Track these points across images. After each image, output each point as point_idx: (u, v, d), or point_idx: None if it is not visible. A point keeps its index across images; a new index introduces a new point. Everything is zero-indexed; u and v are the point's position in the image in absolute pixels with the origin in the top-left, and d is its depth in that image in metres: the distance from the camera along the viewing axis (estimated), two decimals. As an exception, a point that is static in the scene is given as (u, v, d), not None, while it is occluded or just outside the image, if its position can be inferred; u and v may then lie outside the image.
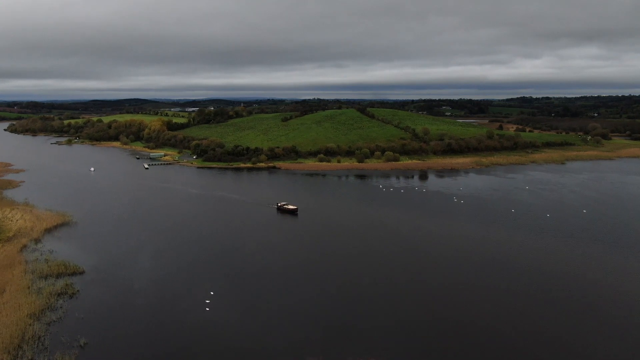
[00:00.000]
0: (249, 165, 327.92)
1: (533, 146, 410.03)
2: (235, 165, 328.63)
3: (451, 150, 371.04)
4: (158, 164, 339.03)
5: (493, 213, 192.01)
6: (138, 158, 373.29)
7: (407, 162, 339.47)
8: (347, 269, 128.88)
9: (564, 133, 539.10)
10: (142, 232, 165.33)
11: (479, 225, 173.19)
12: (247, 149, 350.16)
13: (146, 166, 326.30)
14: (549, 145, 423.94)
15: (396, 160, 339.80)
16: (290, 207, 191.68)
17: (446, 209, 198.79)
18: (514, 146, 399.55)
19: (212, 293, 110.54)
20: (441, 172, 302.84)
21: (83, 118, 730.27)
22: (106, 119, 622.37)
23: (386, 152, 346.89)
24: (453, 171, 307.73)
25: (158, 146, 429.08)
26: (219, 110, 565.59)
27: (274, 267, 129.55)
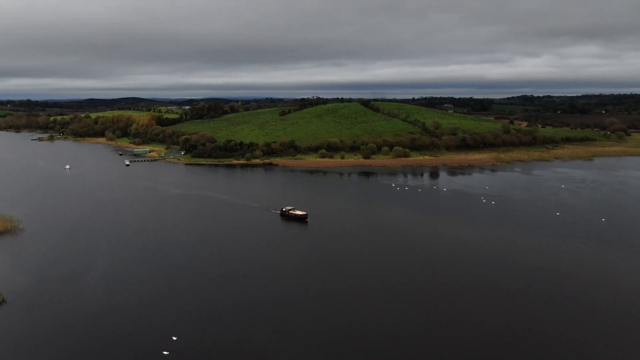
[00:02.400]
0: (242, 161, 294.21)
1: (552, 142, 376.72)
2: (227, 161, 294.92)
3: (465, 145, 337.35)
4: (141, 161, 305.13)
5: (534, 217, 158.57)
6: (121, 154, 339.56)
7: (418, 158, 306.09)
8: (386, 306, 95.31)
9: (578, 129, 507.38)
10: (100, 244, 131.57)
11: (523, 233, 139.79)
12: (241, 143, 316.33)
13: (127, 163, 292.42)
14: (569, 140, 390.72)
15: (406, 156, 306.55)
16: (298, 212, 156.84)
17: (477, 213, 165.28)
18: (533, 141, 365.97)
19: (174, 339, 76.86)
20: (458, 169, 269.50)
21: (71, 115, 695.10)
22: (94, 115, 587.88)
23: (395, 148, 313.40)
24: (471, 168, 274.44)
25: (145, 142, 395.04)
26: (212, 105, 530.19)
27: (276, 302, 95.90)
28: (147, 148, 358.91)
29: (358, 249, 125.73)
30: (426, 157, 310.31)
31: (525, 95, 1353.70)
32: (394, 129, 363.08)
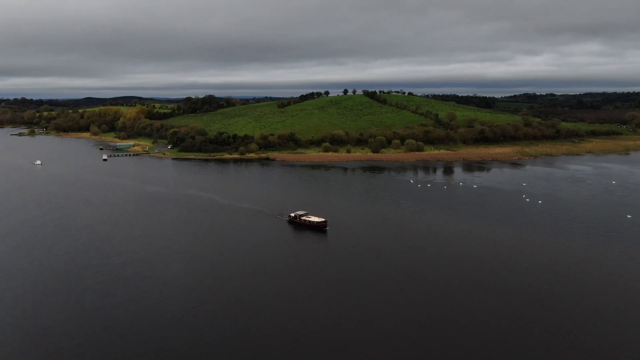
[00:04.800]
0: (235, 155, 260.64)
1: (577, 135, 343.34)
2: (218, 156, 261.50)
3: (484, 138, 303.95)
4: (122, 155, 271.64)
5: (599, 220, 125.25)
6: (102, 149, 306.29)
7: (433, 152, 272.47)
8: None
9: (597, 124, 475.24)
10: (35, 258, 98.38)
11: (595, 241, 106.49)
12: (234, 136, 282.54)
13: (105, 158, 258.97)
14: (594, 134, 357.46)
15: (420, 150, 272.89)
16: (315, 219, 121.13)
17: (526, 214, 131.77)
18: (556, 135, 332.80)
19: None
20: (481, 164, 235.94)
21: (58, 110, 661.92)
22: (82, 111, 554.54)
23: (407, 141, 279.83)
24: (494, 163, 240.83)
25: (131, 136, 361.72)
26: (207, 98, 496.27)
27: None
28: (131, 142, 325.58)
29: (402, 273, 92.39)
30: (442, 151, 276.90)
31: (527, 94, 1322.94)
32: (404, 121, 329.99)
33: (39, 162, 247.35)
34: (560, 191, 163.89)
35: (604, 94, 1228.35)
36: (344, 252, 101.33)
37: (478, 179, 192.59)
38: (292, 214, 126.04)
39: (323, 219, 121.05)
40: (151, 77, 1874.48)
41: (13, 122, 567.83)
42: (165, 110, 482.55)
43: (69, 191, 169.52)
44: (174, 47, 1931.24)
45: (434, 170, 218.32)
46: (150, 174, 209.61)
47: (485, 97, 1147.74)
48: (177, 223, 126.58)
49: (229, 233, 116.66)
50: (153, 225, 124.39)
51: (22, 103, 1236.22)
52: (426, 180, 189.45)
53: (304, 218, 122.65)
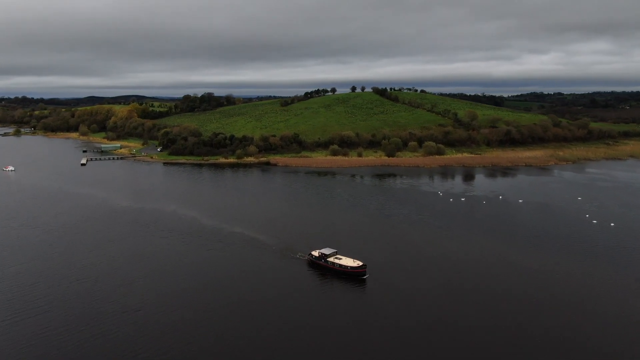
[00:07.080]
0: (232, 160, 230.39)
1: (609, 136, 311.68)
2: (213, 160, 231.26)
3: (510, 140, 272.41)
4: (104, 159, 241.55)
5: None
6: (85, 151, 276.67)
7: (455, 155, 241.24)
8: None
9: (622, 123, 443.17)
10: None
11: None
12: (231, 137, 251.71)
13: (83, 162, 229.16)
14: (626, 135, 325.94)
15: (440, 153, 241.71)
16: (348, 262, 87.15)
17: (600, 245, 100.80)
18: (588, 136, 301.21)
19: None
20: (513, 171, 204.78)
21: (50, 109, 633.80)
22: (74, 109, 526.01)
23: (425, 143, 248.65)
24: (527, 169, 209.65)
25: (121, 136, 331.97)
26: (206, 97, 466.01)
27: None
28: (117, 144, 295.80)
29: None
30: (465, 154, 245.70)
31: (535, 93, 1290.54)
32: (420, 121, 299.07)
33: (11, 167, 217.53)
34: (629, 209, 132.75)
35: (612, 92, 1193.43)
36: (400, 321, 69.40)
37: (518, 190, 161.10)
38: (316, 253, 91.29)
39: (360, 263, 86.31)
40: (154, 76, 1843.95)
41: (3, 121, 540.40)
42: (162, 109, 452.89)
43: (19, 206, 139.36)
44: (177, 45, 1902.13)
45: (462, 179, 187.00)
46: (130, 182, 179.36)
47: (494, 96, 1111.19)
48: (134, 262, 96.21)
49: (206, 292, 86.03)
50: (101, 264, 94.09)
51: (22, 102, 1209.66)
52: (456, 192, 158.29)
53: (331, 260, 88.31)
